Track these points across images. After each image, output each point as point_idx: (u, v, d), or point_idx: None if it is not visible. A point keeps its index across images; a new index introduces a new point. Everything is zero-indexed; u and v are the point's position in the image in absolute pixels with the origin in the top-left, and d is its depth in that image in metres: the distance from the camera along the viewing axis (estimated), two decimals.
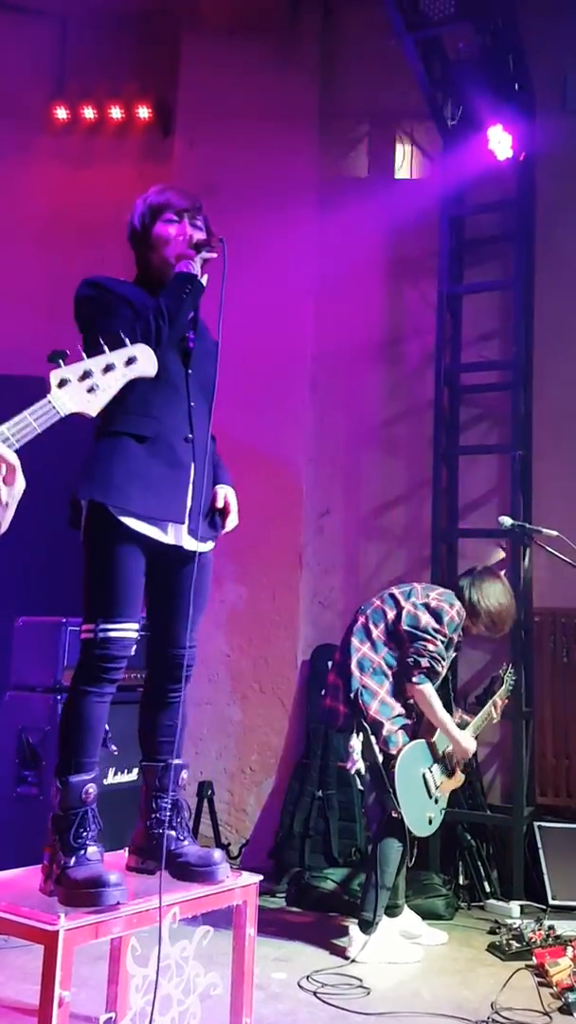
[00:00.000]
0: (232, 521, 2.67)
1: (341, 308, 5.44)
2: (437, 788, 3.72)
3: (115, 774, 3.94)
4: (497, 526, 4.00)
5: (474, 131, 4.93)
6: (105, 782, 3.83)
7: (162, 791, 2.52)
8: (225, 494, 2.65)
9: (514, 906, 4.21)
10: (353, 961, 3.49)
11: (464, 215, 5.26)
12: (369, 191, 5.48)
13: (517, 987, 3.20)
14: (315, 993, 3.17)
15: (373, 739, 3.61)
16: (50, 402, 1.77)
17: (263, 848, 4.77)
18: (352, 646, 3.76)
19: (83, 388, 1.82)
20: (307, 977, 3.31)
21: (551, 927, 3.67)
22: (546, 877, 4.29)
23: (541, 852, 4.37)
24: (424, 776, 3.70)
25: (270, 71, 5.55)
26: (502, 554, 4.88)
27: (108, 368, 1.87)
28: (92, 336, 2.44)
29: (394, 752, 3.60)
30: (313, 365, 5.43)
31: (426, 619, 3.70)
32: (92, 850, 2.26)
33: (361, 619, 3.83)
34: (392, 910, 3.72)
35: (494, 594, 3.86)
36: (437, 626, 3.69)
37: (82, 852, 2.24)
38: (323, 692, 3.97)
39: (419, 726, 3.76)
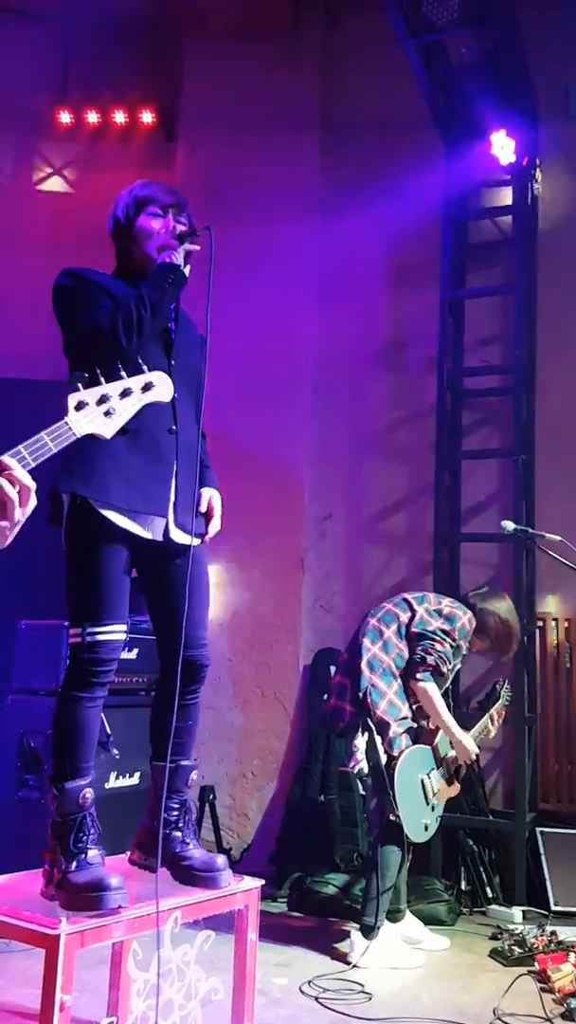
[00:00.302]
0: (215, 526, 2.61)
1: (343, 313, 5.45)
2: (435, 795, 3.72)
3: (116, 778, 3.94)
4: (499, 531, 4.00)
5: (476, 137, 4.94)
6: (106, 786, 3.83)
7: (173, 792, 2.50)
8: (209, 497, 2.60)
9: (516, 911, 4.21)
10: (355, 966, 3.48)
11: (466, 220, 5.27)
12: (371, 196, 5.49)
13: (519, 993, 3.19)
14: (317, 998, 3.16)
15: (378, 739, 3.62)
16: (67, 423, 1.82)
17: (264, 853, 4.76)
18: (363, 646, 3.77)
19: (100, 412, 1.87)
20: (309, 982, 3.30)
21: (553, 933, 3.66)
22: (548, 883, 4.28)
23: (543, 858, 4.36)
24: (423, 781, 3.70)
25: (273, 77, 5.57)
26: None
27: (125, 393, 1.91)
28: (72, 327, 2.43)
29: (396, 754, 3.61)
30: (315, 370, 5.44)
31: (437, 623, 3.77)
32: (93, 854, 2.26)
33: (372, 621, 3.86)
34: (394, 915, 3.72)
35: (502, 610, 3.91)
36: (448, 629, 3.75)
37: (83, 856, 2.24)
38: (326, 696, 3.98)
39: (421, 732, 3.76)
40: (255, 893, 2.55)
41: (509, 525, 3.88)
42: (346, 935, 3.68)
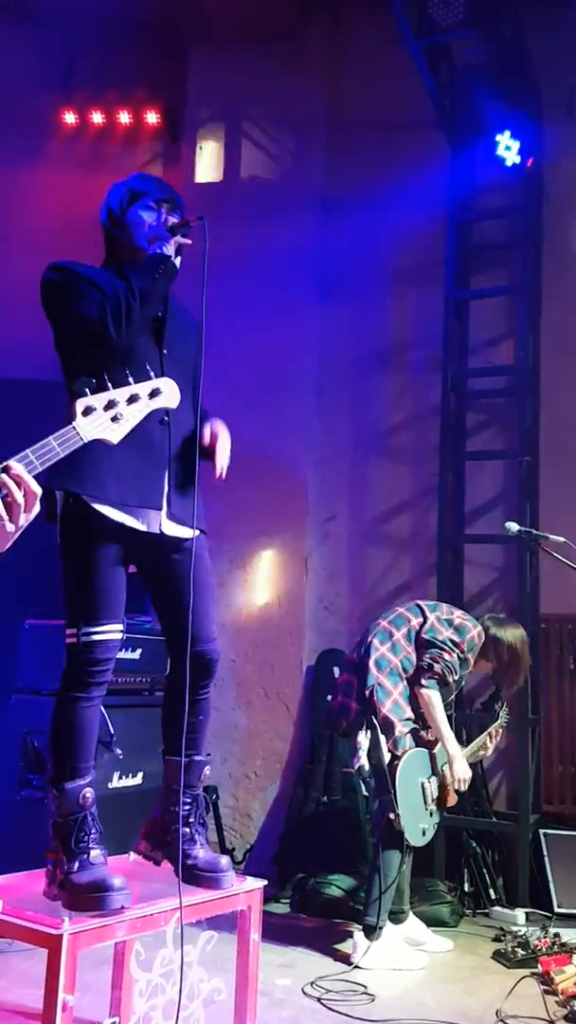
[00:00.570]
0: (223, 458, 2.54)
1: (347, 314, 5.45)
2: (433, 800, 3.72)
3: (120, 778, 3.94)
4: (503, 532, 4.00)
5: (481, 137, 4.94)
6: (109, 786, 3.82)
7: (187, 787, 2.49)
8: (211, 428, 2.52)
9: (519, 913, 4.20)
10: (357, 967, 3.48)
11: (471, 221, 5.27)
12: (376, 197, 5.49)
13: (522, 995, 3.18)
14: (319, 999, 3.15)
15: (382, 739, 3.62)
16: (74, 428, 1.82)
17: (267, 853, 4.76)
18: (372, 646, 3.78)
19: (107, 417, 1.88)
20: (311, 983, 3.29)
21: (556, 935, 3.65)
22: (552, 885, 4.28)
23: (547, 860, 4.35)
24: (423, 785, 3.70)
25: (278, 78, 5.57)
26: None
27: (133, 399, 1.92)
28: (61, 321, 2.42)
29: (401, 754, 3.61)
30: (319, 371, 5.44)
31: (448, 632, 3.78)
32: (95, 853, 2.26)
33: (383, 623, 3.87)
34: (397, 916, 3.71)
35: (515, 638, 3.88)
36: (457, 640, 3.76)
37: (85, 856, 2.24)
38: (329, 696, 3.98)
39: (421, 740, 3.76)
40: (258, 894, 2.55)
41: (513, 527, 3.88)
42: (349, 936, 3.67)
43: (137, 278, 2.41)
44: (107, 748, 3.72)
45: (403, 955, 3.59)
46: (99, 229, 2.67)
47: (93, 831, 2.29)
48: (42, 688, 3.94)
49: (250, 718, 5.15)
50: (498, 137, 4.87)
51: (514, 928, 3.98)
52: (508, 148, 4.88)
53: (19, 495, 1.67)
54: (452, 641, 3.74)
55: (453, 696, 3.93)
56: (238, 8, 5.46)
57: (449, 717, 3.81)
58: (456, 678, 3.77)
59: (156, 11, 5.68)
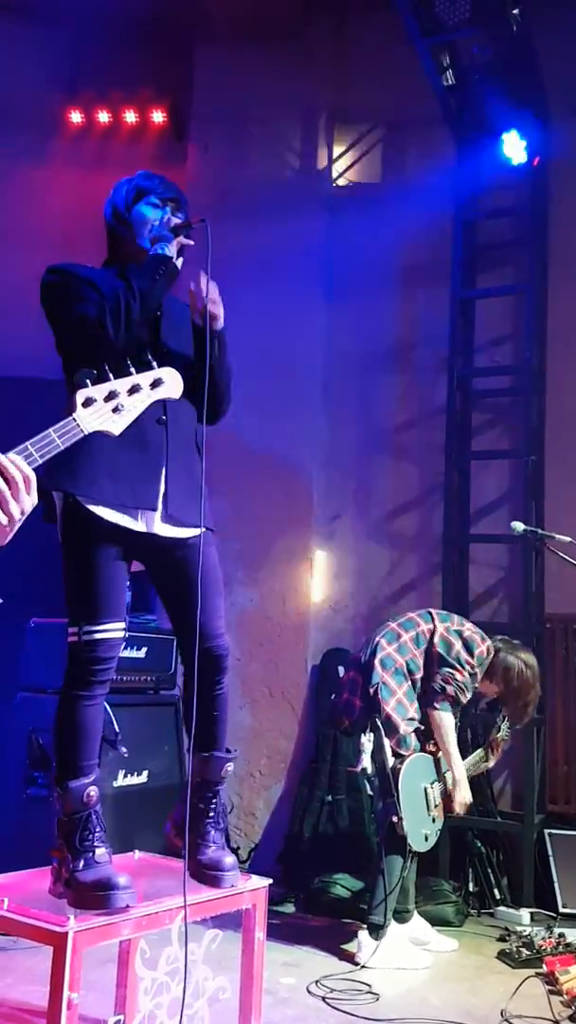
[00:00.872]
0: (215, 308, 2.48)
1: (353, 313, 5.44)
2: (435, 807, 3.72)
3: (125, 776, 3.94)
4: (509, 531, 3.99)
5: (488, 136, 4.93)
6: (115, 784, 3.83)
7: (204, 783, 2.50)
8: (199, 282, 2.46)
9: (524, 913, 4.19)
10: (362, 967, 3.48)
11: (477, 220, 5.26)
12: (382, 196, 5.48)
13: (527, 995, 3.18)
14: (324, 998, 3.16)
15: (386, 740, 3.61)
16: (75, 420, 1.79)
17: (272, 852, 4.76)
18: (379, 645, 3.79)
19: (108, 408, 1.85)
20: (316, 982, 3.30)
21: (561, 935, 3.65)
22: (556, 885, 4.27)
23: (552, 859, 4.35)
24: (426, 790, 3.70)
25: (284, 77, 5.56)
26: None
27: (134, 389, 1.89)
28: (60, 323, 2.42)
29: (405, 754, 3.61)
30: (325, 370, 5.44)
31: (459, 647, 3.77)
32: (100, 852, 2.26)
33: (392, 624, 3.89)
34: (402, 916, 3.71)
35: (526, 663, 3.85)
36: (467, 657, 3.76)
37: (90, 855, 2.24)
38: (333, 695, 3.98)
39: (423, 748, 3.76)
40: (263, 892, 2.55)
41: (519, 526, 3.88)
42: (354, 935, 3.67)
43: (137, 278, 2.40)
44: (112, 746, 3.73)
45: (408, 954, 3.59)
46: (104, 227, 2.66)
47: (98, 829, 2.29)
48: (47, 686, 3.94)
49: (255, 717, 5.15)
50: (504, 136, 4.86)
51: (519, 928, 3.98)
52: (514, 147, 4.86)
53: (2, 485, 1.65)
54: (463, 659, 3.74)
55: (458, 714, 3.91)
56: (243, 7, 5.45)
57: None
58: (468, 697, 3.79)
59: (161, 10, 5.68)
